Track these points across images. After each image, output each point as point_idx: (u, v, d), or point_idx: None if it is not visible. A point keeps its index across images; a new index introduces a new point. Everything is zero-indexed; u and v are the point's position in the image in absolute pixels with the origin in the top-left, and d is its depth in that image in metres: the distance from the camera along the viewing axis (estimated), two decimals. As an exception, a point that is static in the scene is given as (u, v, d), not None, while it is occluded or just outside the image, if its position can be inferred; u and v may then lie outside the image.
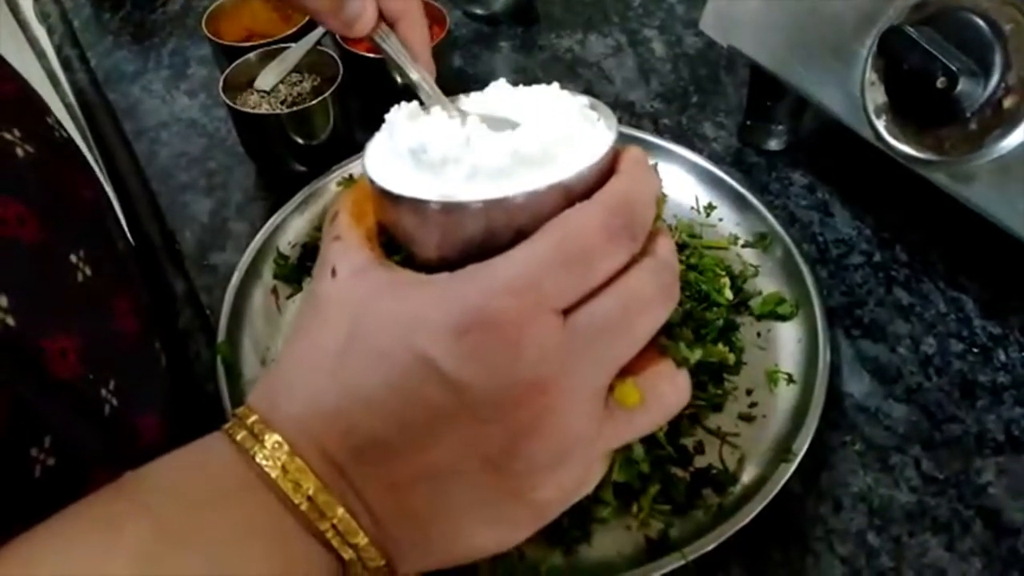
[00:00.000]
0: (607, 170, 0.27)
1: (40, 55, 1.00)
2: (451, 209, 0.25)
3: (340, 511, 0.24)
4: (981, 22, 0.43)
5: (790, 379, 0.48)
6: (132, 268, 0.43)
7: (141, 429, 0.37)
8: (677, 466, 0.45)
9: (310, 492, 0.24)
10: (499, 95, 0.32)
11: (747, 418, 0.47)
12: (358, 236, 0.28)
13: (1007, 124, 0.43)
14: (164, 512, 0.23)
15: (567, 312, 0.24)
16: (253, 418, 0.25)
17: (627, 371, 0.26)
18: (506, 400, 0.24)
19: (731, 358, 0.49)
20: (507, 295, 0.23)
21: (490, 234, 0.25)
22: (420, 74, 0.39)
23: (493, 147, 0.26)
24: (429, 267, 0.27)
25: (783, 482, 0.42)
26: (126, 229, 0.58)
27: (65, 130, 0.40)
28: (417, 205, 0.26)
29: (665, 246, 0.26)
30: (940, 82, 0.42)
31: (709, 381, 0.48)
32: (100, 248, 0.38)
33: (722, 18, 0.58)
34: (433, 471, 0.25)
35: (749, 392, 0.48)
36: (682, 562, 0.40)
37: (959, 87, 0.42)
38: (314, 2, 0.44)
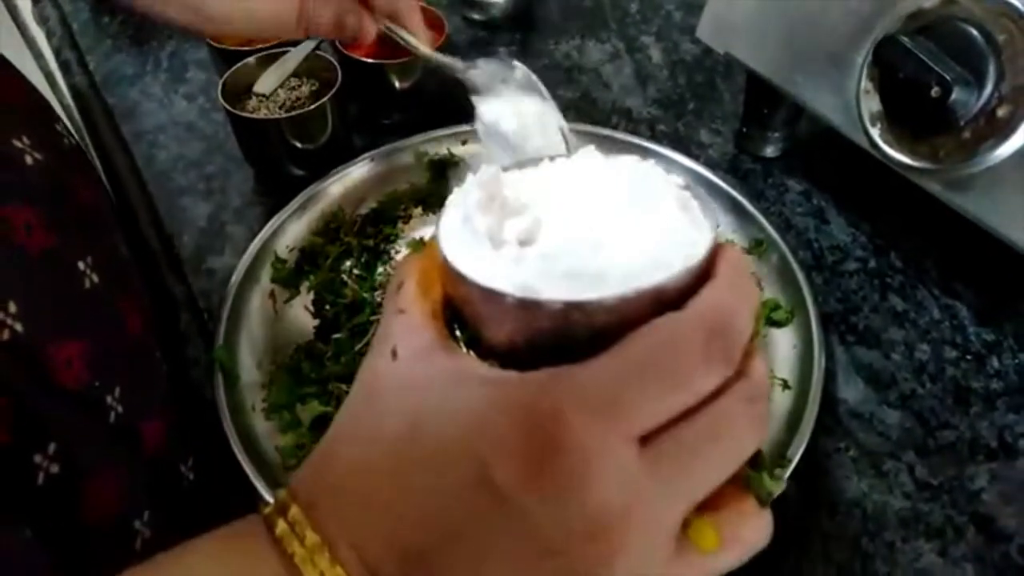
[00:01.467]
0: (703, 273, 0.24)
1: (38, 56, 1.00)
2: (529, 305, 0.23)
3: None
4: (975, 32, 0.43)
5: (785, 385, 0.49)
6: (134, 273, 0.43)
7: (145, 435, 0.36)
8: (673, 471, 0.45)
9: None
10: (589, 165, 0.28)
11: (742, 424, 0.47)
12: (423, 312, 0.26)
13: (1001, 133, 0.43)
14: None
15: (647, 436, 0.22)
16: (294, 510, 0.24)
17: (705, 506, 0.23)
18: (570, 532, 0.21)
19: (727, 364, 0.49)
20: (584, 412, 0.21)
21: (568, 334, 0.23)
22: (436, 56, 0.38)
23: (579, 239, 0.24)
24: (497, 353, 0.25)
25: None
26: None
27: (74, 136, 0.40)
28: (492, 295, 0.23)
29: (759, 369, 0.24)
30: (934, 91, 0.43)
31: (705, 387, 0.48)
32: (106, 254, 0.38)
33: (719, 26, 0.58)
34: None
35: (744, 398, 0.49)
36: (677, 567, 0.40)
37: (953, 96, 0.43)
38: (317, 29, 0.46)
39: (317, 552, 0.23)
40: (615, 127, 0.66)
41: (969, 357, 0.51)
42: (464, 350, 0.25)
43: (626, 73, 0.73)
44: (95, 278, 0.35)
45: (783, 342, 0.51)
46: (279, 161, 0.62)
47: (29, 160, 0.34)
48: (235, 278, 0.53)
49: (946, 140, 0.45)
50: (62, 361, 0.32)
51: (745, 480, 0.24)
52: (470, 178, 0.27)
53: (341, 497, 0.24)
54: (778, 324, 0.52)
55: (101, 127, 0.69)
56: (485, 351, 0.25)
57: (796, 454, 0.44)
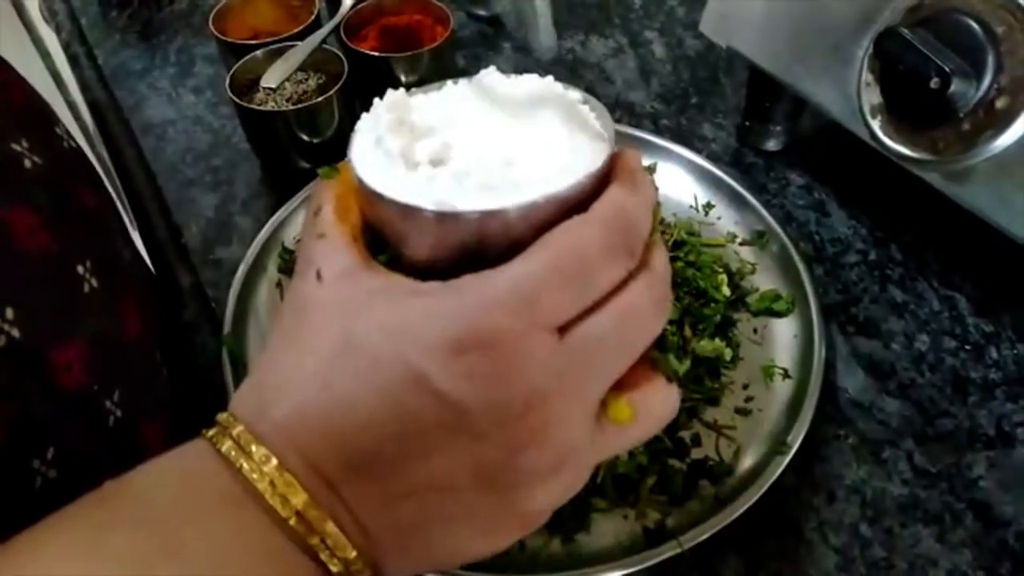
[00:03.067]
0: (604, 178, 0.26)
1: (44, 55, 1.01)
2: (445, 217, 0.25)
3: (330, 525, 0.24)
4: (974, 24, 0.44)
5: (786, 374, 0.49)
6: (137, 277, 0.43)
7: (144, 438, 0.37)
8: (674, 458, 0.46)
9: (299, 507, 0.23)
10: (492, 83, 0.30)
11: (743, 412, 0.48)
12: (343, 235, 0.27)
13: (999, 124, 0.44)
14: (149, 524, 0.23)
15: (563, 328, 0.24)
16: (239, 428, 0.25)
17: (619, 385, 0.26)
18: (501, 417, 0.23)
19: (728, 353, 0.50)
20: (504, 313, 0.23)
21: (484, 243, 0.25)
22: None
23: (488, 156, 0.26)
24: (417, 270, 0.26)
25: (778, 474, 0.43)
26: (137, 235, 0.59)
27: (74, 139, 0.40)
28: (410, 211, 0.25)
29: (660, 259, 0.26)
30: (934, 83, 0.43)
31: (706, 375, 0.49)
32: (106, 258, 0.38)
33: (722, 20, 0.59)
34: (425, 486, 0.24)
35: (745, 386, 0.49)
36: (679, 551, 0.40)
37: (952, 88, 0.43)
38: None
39: (265, 463, 0.24)
40: (619, 121, 0.67)
41: (968, 347, 0.51)
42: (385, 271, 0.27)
43: (629, 68, 0.74)
44: (94, 282, 0.36)
45: (784, 332, 0.52)
46: (286, 153, 0.62)
47: (28, 164, 0.34)
48: (242, 268, 0.54)
49: (945, 132, 0.46)
50: (62, 365, 0.32)
51: (653, 361, 0.27)
52: (378, 103, 0.28)
53: (283, 412, 0.25)
54: (779, 314, 0.53)
55: (110, 121, 0.70)
56: (407, 269, 0.26)
57: (796, 441, 0.44)
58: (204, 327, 0.53)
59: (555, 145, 0.26)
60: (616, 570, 0.40)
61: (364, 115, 0.29)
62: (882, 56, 0.47)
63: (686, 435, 0.47)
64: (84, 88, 0.75)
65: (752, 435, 0.47)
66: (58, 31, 0.82)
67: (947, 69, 0.43)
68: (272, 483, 0.23)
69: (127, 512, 0.23)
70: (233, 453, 0.24)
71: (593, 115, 0.28)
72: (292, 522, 0.23)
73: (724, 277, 0.54)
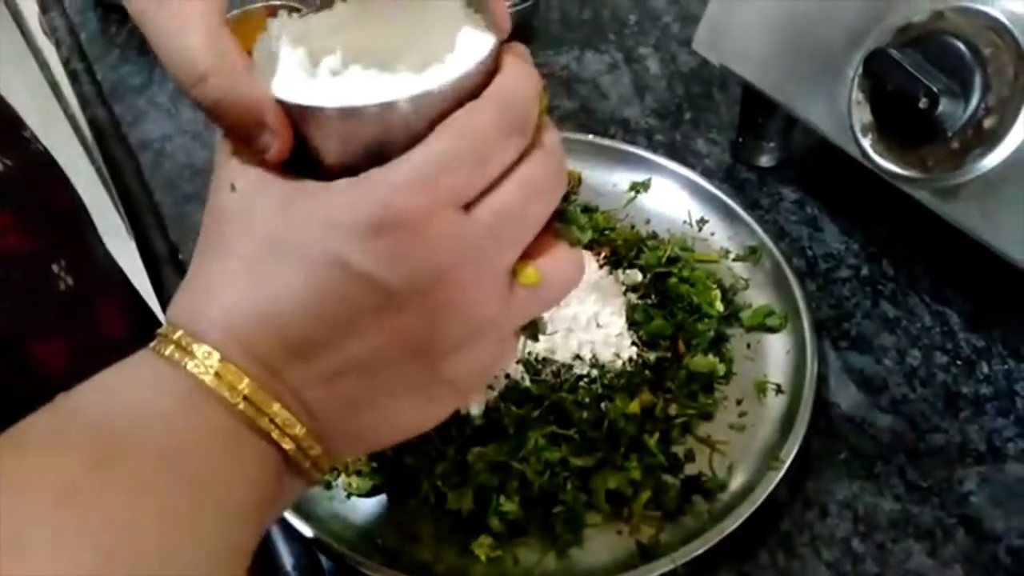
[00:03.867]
0: (492, 68, 0.28)
1: (43, 66, 1.02)
2: (348, 114, 0.26)
3: (277, 406, 0.26)
4: (962, 45, 0.44)
5: (779, 389, 0.50)
6: (114, 275, 0.44)
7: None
8: (668, 473, 0.46)
9: (246, 392, 0.25)
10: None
11: (737, 427, 0.48)
12: None
13: (987, 144, 0.44)
14: (104, 424, 0.24)
15: (467, 205, 0.26)
16: (178, 332, 0.26)
17: (527, 255, 0.29)
18: (419, 289, 0.26)
19: (721, 369, 0.50)
20: (410, 194, 0.25)
21: (387, 138, 0.26)
22: None
23: (382, 55, 0.28)
24: (325, 174, 0.28)
25: (771, 489, 0.43)
26: (135, 249, 0.59)
27: (40, 143, 0.41)
28: (314, 113, 0.27)
29: (551, 137, 0.28)
30: (922, 103, 0.44)
31: (700, 391, 0.49)
32: (80, 257, 0.39)
33: (715, 38, 0.60)
34: (359, 362, 0.27)
35: (739, 402, 0.50)
36: (672, 566, 0.41)
37: (940, 108, 0.44)
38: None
39: (208, 358, 0.25)
40: (613, 137, 0.67)
41: (959, 362, 0.52)
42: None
43: (624, 83, 0.74)
44: (70, 280, 0.37)
45: (777, 347, 0.52)
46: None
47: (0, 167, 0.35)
48: (240, 283, 0.55)
49: (934, 150, 0.46)
50: (44, 356, 0.34)
51: (556, 232, 0.30)
52: (273, 22, 0.30)
53: (217, 311, 0.26)
54: (772, 330, 0.53)
55: (108, 136, 0.70)
56: (319, 177, 0.28)
57: (789, 456, 0.45)
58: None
59: (444, 40, 0.28)
60: (610, 586, 0.41)
61: (261, 35, 0.30)
62: (871, 76, 0.48)
63: (680, 450, 0.47)
64: (83, 103, 0.75)
65: (745, 450, 0.47)
66: (57, 46, 0.83)
67: (935, 89, 0.44)
68: (218, 374, 0.25)
69: (81, 415, 0.25)
70: (177, 355, 0.26)
71: (479, 15, 0.30)
72: (241, 406, 0.25)
73: (717, 292, 0.54)
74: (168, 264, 0.59)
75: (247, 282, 0.26)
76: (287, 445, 0.26)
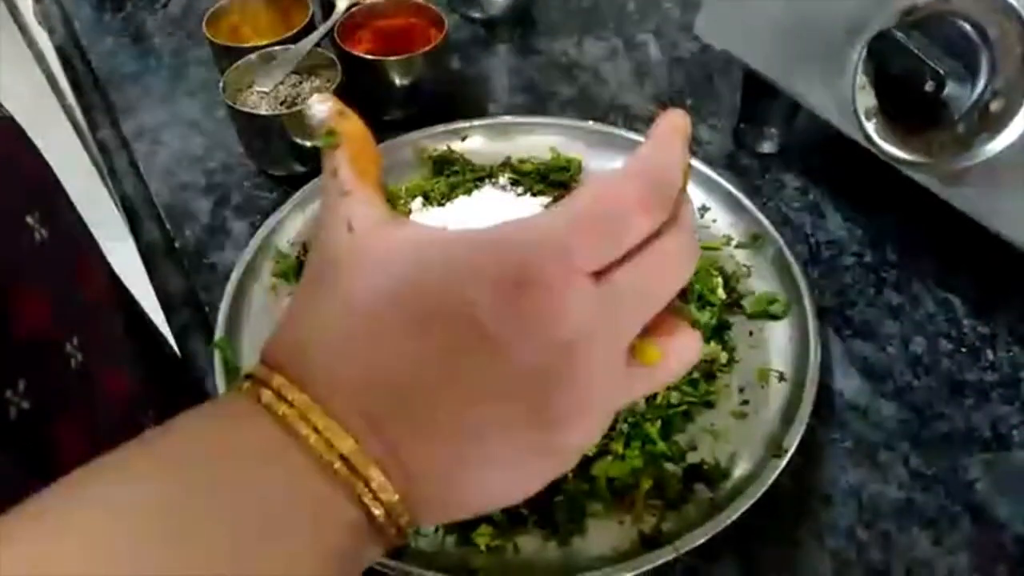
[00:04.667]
0: None
1: (39, 58, 1.01)
2: None
3: (374, 470, 0.24)
4: (968, 27, 0.44)
5: (781, 377, 0.49)
6: (88, 240, 0.45)
7: (108, 385, 0.39)
8: (670, 462, 0.46)
9: (344, 452, 0.24)
10: None
11: (739, 415, 0.48)
12: (369, 192, 0.28)
13: (994, 128, 0.44)
14: (189, 471, 0.23)
15: (598, 274, 0.25)
16: (278, 379, 0.25)
17: (646, 331, 0.27)
18: (544, 355, 0.24)
19: (723, 356, 0.50)
20: (548, 254, 0.24)
21: None
22: None
23: None
24: None
25: (774, 478, 0.43)
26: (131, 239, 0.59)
27: (5, 108, 0.41)
28: None
29: (687, 213, 0.27)
30: (928, 86, 0.43)
31: (702, 379, 0.49)
32: (53, 215, 0.39)
33: (716, 23, 0.59)
34: (471, 426, 0.25)
35: (741, 390, 0.49)
36: (674, 555, 0.40)
37: (947, 91, 0.43)
38: None
39: (309, 409, 0.24)
40: (613, 124, 0.66)
41: (963, 349, 0.51)
42: None
43: (624, 70, 0.74)
44: (44, 233, 0.37)
45: (780, 334, 0.52)
46: (281, 157, 0.62)
47: None
48: (236, 272, 0.54)
49: (940, 134, 0.46)
50: (22, 306, 0.34)
51: (677, 310, 0.28)
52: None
53: (323, 356, 0.25)
54: (775, 317, 0.53)
55: (103, 124, 0.70)
56: None
57: (792, 445, 0.44)
58: (196, 333, 0.53)
59: None
60: (612, 575, 0.40)
61: None
62: (876, 59, 0.47)
63: (682, 439, 0.47)
64: (77, 91, 0.75)
65: (748, 439, 0.47)
66: (51, 34, 0.82)
67: (941, 72, 0.43)
68: (316, 429, 0.24)
69: (167, 459, 0.23)
70: (273, 403, 0.24)
71: None
72: (337, 466, 0.24)
73: (719, 280, 0.54)
74: (164, 254, 0.59)
75: (361, 327, 0.25)
76: (377, 511, 0.24)
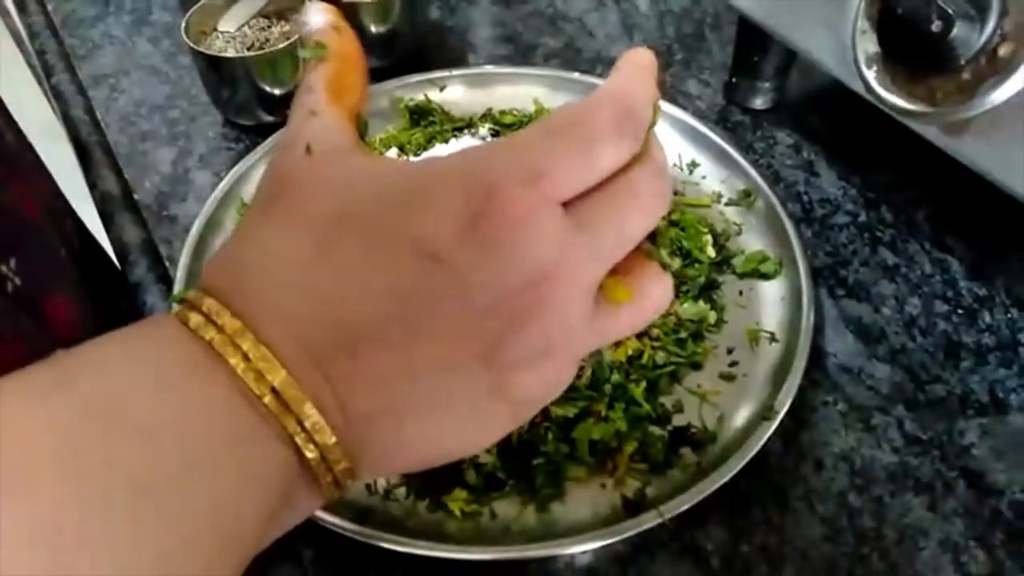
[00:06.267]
0: None
1: (2, 10, 0.96)
2: None
3: (309, 407, 0.21)
4: (978, -35, 0.41)
5: (772, 338, 0.47)
6: (25, 161, 0.44)
7: (48, 309, 0.38)
8: (655, 424, 0.43)
9: (276, 384, 0.21)
10: None
11: (728, 377, 0.46)
12: (337, 116, 0.26)
13: (1002, 73, 0.41)
14: (102, 391, 0.20)
15: (570, 204, 0.23)
16: (208, 301, 0.22)
17: (615, 272, 0.25)
18: (505, 290, 0.22)
19: (712, 316, 0.48)
20: (514, 180, 0.22)
21: None
22: None
23: None
24: None
25: (763, 441, 0.41)
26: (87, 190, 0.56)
27: None
28: None
29: (660, 152, 0.25)
30: (935, 25, 0.41)
31: (689, 339, 0.47)
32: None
33: (709, -32, 0.56)
34: (421, 364, 0.23)
35: (730, 351, 0.47)
36: (659, 521, 0.38)
37: (954, 32, 0.41)
38: None
39: (239, 335, 0.21)
40: (600, 77, 0.63)
41: (960, 311, 0.49)
42: None
43: (612, 22, 0.70)
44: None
45: (771, 295, 0.49)
46: (247, 105, 0.59)
47: None
48: (198, 223, 0.51)
49: (945, 81, 0.43)
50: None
51: (647, 252, 0.27)
52: None
53: (266, 282, 0.23)
54: (766, 276, 0.50)
55: (57, 70, 0.65)
56: None
57: (783, 407, 0.42)
58: (154, 287, 0.50)
59: None
60: (593, 541, 0.38)
61: None
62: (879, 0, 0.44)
63: (667, 401, 0.44)
64: (32, 36, 0.70)
65: (736, 401, 0.44)
66: (5, -24, 0.77)
67: (950, 11, 0.40)
68: (246, 356, 0.21)
69: (79, 378, 0.20)
70: (201, 327, 0.21)
71: None
72: (266, 400, 0.21)
73: (709, 238, 0.51)
74: (121, 205, 0.55)
75: (310, 254, 0.22)
76: (310, 454, 0.22)
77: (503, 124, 0.58)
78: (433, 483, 0.41)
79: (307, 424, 0.21)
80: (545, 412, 0.42)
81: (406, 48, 0.64)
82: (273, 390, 0.21)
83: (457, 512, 0.40)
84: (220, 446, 0.21)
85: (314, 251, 0.22)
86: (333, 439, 0.22)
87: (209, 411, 0.21)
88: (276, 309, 0.22)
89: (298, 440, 0.21)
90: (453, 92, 0.61)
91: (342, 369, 0.22)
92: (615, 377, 0.44)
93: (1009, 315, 0.49)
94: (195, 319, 0.21)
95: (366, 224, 0.23)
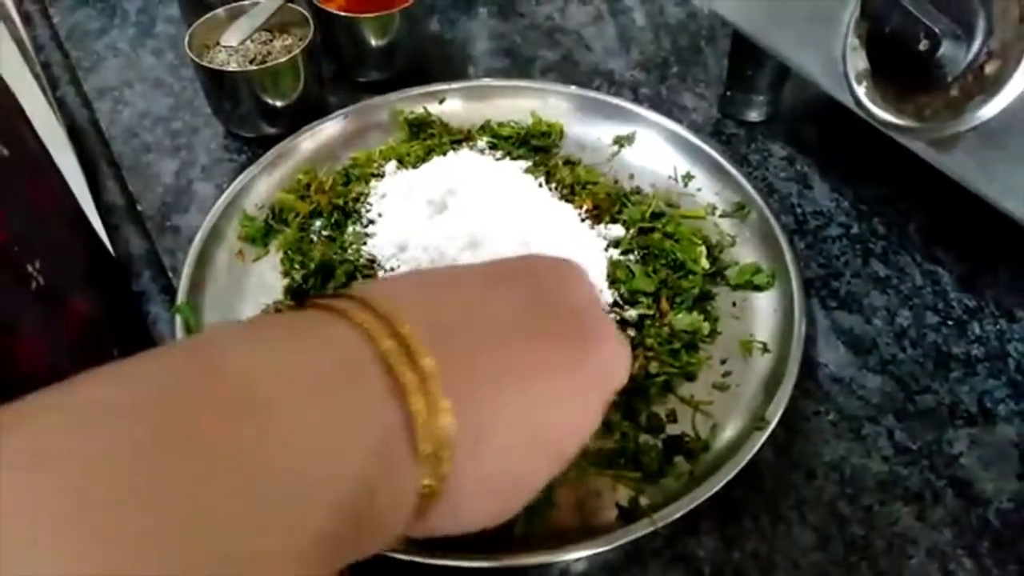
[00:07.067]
0: None
1: (5, 18, 0.97)
2: None
3: (439, 395, 0.23)
4: (965, -15, 0.42)
5: (765, 348, 0.48)
6: (46, 166, 0.47)
7: (68, 308, 0.41)
8: (649, 434, 0.44)
9: (424, 368, 0.23)
10: None
11: (721, 387, 0.46)
12: None
13: (988, 91, 0.42)
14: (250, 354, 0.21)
15: None
16: (346, 302, 0.24)
17: None
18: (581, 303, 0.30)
19: (705, 327, 0.48)
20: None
21: None
22: None
23: None
24: None
25: (755, 450, 0.41)
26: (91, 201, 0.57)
27: None
28: None
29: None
30: (922, 44, 0.42)
31: (683, 350, 0.47)
32: (9, 136, 0.40)
33: (704, -16, 0.57)
34: (528, 363, 0.26)
35: (723, 361, 0.48)
36: (652, 528, 0.39)
37: (941, 50, 0.42)
38: None
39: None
40: (597, 89, 0.64)
41: (950, 323, 0.50)
42: None
43: (609, 35, 0.71)
44: (4, 151, 0.38)
45: (764, 306, 0.50)
46: (249, 117, 0.60)
47: None
48: (200, 234, 0.51)
49: (933, 98, 0.44)
50: None
51: None
52: None
53: (397, 294, 0.25)
54: (760, 288, 0.51)
55: (63, 82, 0.66)
56: None
57: (775, 417, 0.43)
58: (158, 296, 0.51)
59: None
60: (588, 549, 0.39)
61: None
62: (869, 18, 0.45)
63: (661, 411, 0.45)
64: (38, 48, 0.71)
65: (729, 411, 0.45)
66: (11, -11, 0.78)
67: (936, 31, 0.41)
68: (397, 336, 0.23)
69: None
70: (351, 311, 0.23)
71: None
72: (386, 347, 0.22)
73: (703, 249, 0.52)
74: (126, 216, 0.56)
75: (444, 279, 0.28)
76: (424, 445, 0.22)
77: (501, 136, 0.59)
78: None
79: (428, 412, 0.22)
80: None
81: (406, 61, 0.65)
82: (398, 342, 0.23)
83: None
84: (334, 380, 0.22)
85: (447, 277, 0.29)
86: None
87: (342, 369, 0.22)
88: (410, 309, 0.24)
89: (418, 423, 0.22)
90: (452, 104, 0.62)
91: (464, 367, 0.24)
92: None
93: (998, 326, 0.50)
94: (343, 305, 0.24)
95: (484, 267, 0.29)
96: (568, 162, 0.58)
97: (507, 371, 0.26)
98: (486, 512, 0.27)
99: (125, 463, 0.17)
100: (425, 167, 0.55)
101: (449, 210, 0.51)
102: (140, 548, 0.16)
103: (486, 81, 0.64)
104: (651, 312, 0.48)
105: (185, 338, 0.23)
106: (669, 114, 0.61)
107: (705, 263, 0.52)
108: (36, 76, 0.71)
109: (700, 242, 0.52)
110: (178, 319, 0.47)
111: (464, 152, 0.57)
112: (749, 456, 0.41)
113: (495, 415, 0.25)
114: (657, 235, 0.52)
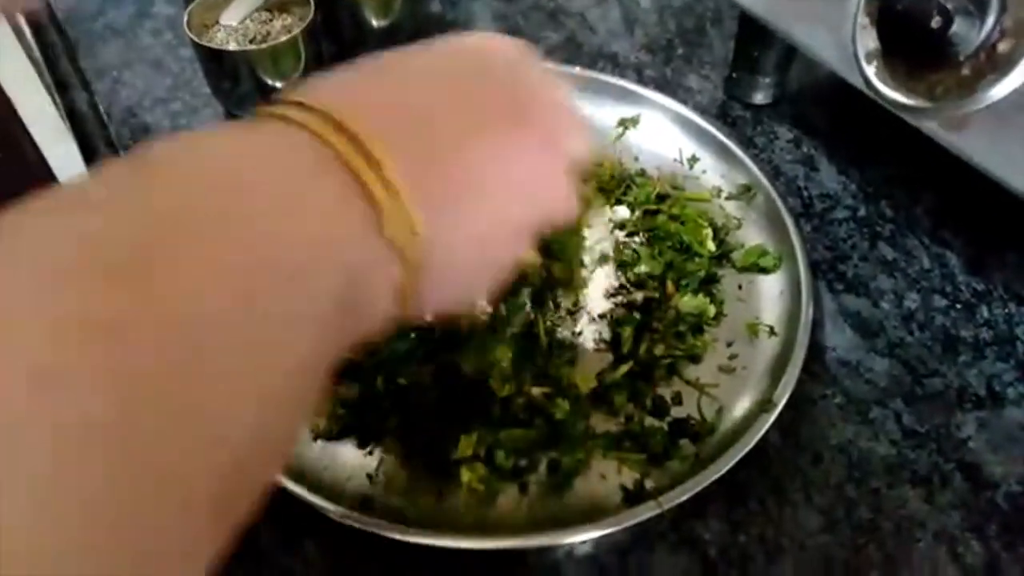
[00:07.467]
0: None
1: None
2: None
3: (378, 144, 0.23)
4: (978, -39, 0.41)
5: (771, 331, 0.47)
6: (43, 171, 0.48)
7: None
8: (654, 416, 0.44)
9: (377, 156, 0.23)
10: None
11: (727, 370, 0.46)
12: None
13: (1001, 69, 0.41)
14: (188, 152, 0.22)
15: None
16: (288, 105, 0.24)
17: None
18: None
19: (711, 310, 0.48)
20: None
21: None
22: None
23: None
24: None
25: (762, 433, 0.41)
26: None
27: None
28: None
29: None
30: (935, 21, 0.41)
31: (689, 332, 0.47)
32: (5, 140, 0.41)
33: (711, -37, 0.56)
34: (485, 146, 0.27)
35: (729, 344, 0.47)
36: (657, 511, 0.38)
37: (954, 27, 0.41)
38: None
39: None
40: (601, 71, 0.63)
41: (958, 306, 0.50)
42: None
43: (613, 17, 0.71)
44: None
45: (770, 288, 0.50)
46: (249, 97, 0.59)
47: None
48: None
49: (944, 77, 0.43)
50: None
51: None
52: None
53: (343, 90, 0.26)
54: (766, 271, 0.51)
55: (61, 63, 0.66)
56: None
57: (781, 399, 0.42)
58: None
59: None
60: (593, 531, 0.38)
61: None
62: (880, -5, 0.44)
63: (667, 393, 0.45)
64: (35, 29, 0.70)
65: (735, 394, 0.45)
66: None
67: (948, 8, 0.41)
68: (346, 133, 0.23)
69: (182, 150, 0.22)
70: (281, 108, 0.24)
71: None
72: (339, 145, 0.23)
73: (709, 232, 0.52)
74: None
75: (392, 68, 0.29)
76: (380, 199, 0.23)
77: (504, 118, 0.58)
78: (433, 475, 0.41)
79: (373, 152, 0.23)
80: (545, 410, 0.42)
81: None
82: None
83: (467, 480, 0.40)
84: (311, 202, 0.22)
85: (394, 66, 0.29)
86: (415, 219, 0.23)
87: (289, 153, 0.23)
88: (359, 104, 0.25)
89: (377, 196, 0.23)
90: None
91: (420, 155, 0.25)
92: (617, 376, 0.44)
93: (1007, 309, 0.49)
94: (278, 109, 0.24)
95: (443, 54, 0.30)
96: (572, 144, 0.57)
97: (454, 156, 0.26)
98: (458, 285, 0.28)
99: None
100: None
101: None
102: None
103: (489, 62, 0.63)
104: (657, 295, 0.48)
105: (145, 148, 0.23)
106: (674, 96, 0.60)
107: (711, 245, 0.51)
108: (34, 61, 0.70)
109: (706, 224, 0.52)
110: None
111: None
112: (755, 439, 0.41)
113: (451, 195, 0.26)
114: (663, 217, 0.52)
